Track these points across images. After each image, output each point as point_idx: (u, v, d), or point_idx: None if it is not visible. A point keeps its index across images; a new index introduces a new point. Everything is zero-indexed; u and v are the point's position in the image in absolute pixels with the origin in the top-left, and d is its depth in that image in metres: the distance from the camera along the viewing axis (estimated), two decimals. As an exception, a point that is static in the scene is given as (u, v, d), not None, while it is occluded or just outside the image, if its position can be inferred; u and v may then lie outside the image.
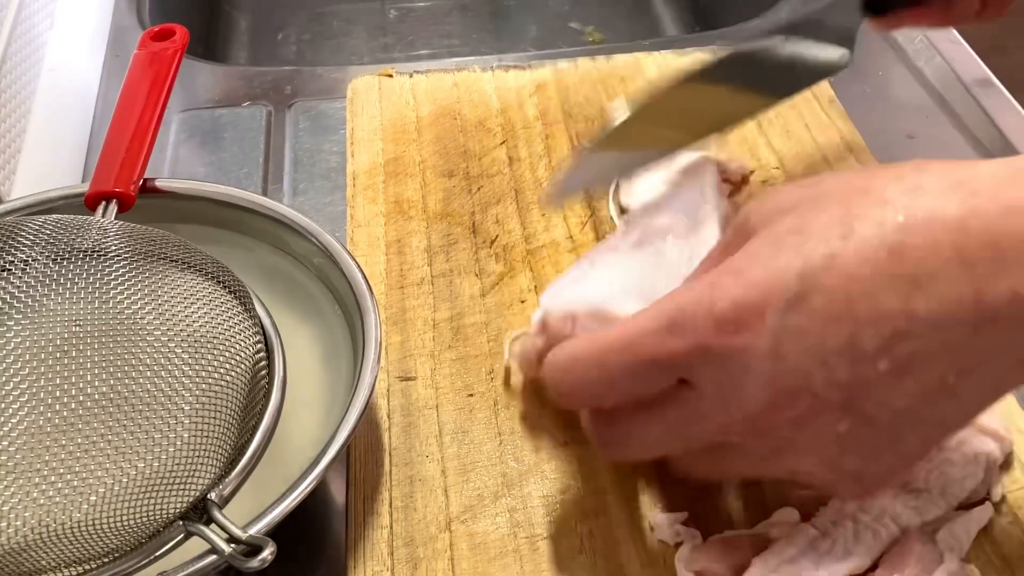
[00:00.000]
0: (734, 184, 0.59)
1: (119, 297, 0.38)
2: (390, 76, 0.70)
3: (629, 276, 0.47)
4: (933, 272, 0.33)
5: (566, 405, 0.42)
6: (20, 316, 0.37)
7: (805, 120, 0.65)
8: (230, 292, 0.43)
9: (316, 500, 0.47)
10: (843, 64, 0.52)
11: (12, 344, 0.36)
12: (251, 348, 0.41)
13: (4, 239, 0.39)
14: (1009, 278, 0.32)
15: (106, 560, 0.37)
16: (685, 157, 0.55)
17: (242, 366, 0.40)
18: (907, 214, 0.34)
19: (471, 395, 0.49)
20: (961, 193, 0.34)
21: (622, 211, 0.58)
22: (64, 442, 0.34)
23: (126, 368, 0.36)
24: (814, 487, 0.39)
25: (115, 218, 0.46)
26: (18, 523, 0.33)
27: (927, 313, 0.33)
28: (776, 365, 0.34)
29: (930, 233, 0.33)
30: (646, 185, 0.56)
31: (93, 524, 0.35)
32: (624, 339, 0.37)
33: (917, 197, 0.34)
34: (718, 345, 0.35)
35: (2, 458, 0.33)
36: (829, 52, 0.51)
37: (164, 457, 0.36)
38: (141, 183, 0.49)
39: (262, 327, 0.44)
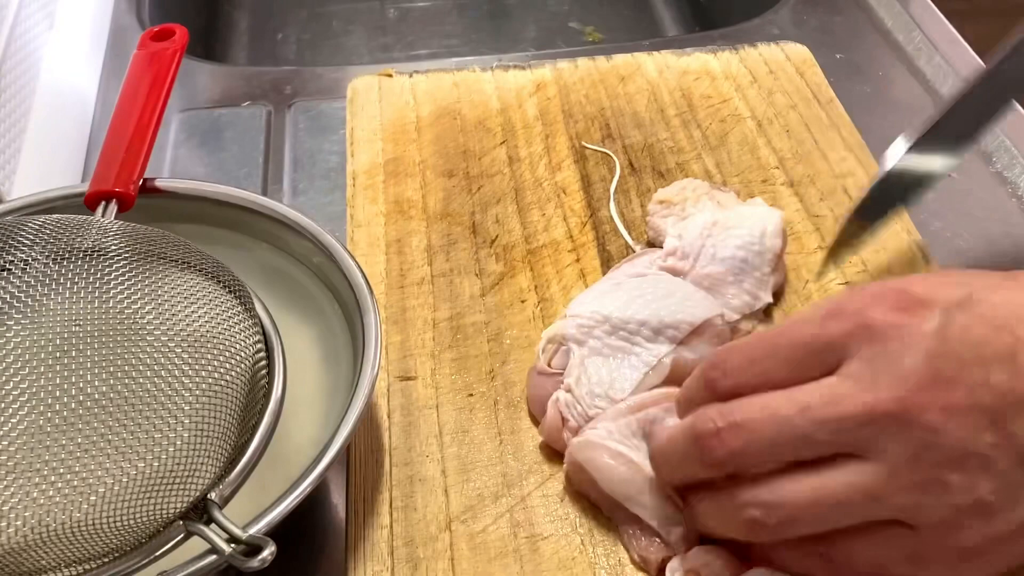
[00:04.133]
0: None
1: (119, 297, 0.38)
2: (390, 76, 0.70)
3: (656, 301, 0.48)
4: None
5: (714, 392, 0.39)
6: (20, 316, 0.37)
7: (805, 120, 0.65)
8: (230, 292, 0.43)
9: (316, 500, 0.47)
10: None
11: (12, 344, 0.36)
12: (251, 348, 0.41)
13: (4, 239, 0.39)
14: None
15: (106, 560, 0.37)
16: (760, 215, 0.54)
17: (242, 366, 0.40)
18: None
19: (471, 395, 0.49)
20: None
21: (650, 243, 0.57)
22: (64, 442, 0.34)
23: (126, 368, 0.36)
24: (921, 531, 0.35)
25: (115, 218, 0.46)
26: (18, 523, 0.33)
27: None
28: (939, 345, 0.34)
29: None
30: (696, 227, 0.53)
31: (93, 524, 0.34)
32: (782, 329, 0.37)
33: None
34: (880, 321, 0.35)
35: (2, 458, 0.33)
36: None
37: (164, 457, 0.36)
38: (141, 183, 0.49)
39: (262, 327, 0.44)
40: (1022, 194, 0.63)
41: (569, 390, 0.46)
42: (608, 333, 0.47)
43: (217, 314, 0.40)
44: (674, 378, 0.46)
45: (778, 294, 0.53)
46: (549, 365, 0.48)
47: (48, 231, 0.40)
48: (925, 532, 0.35)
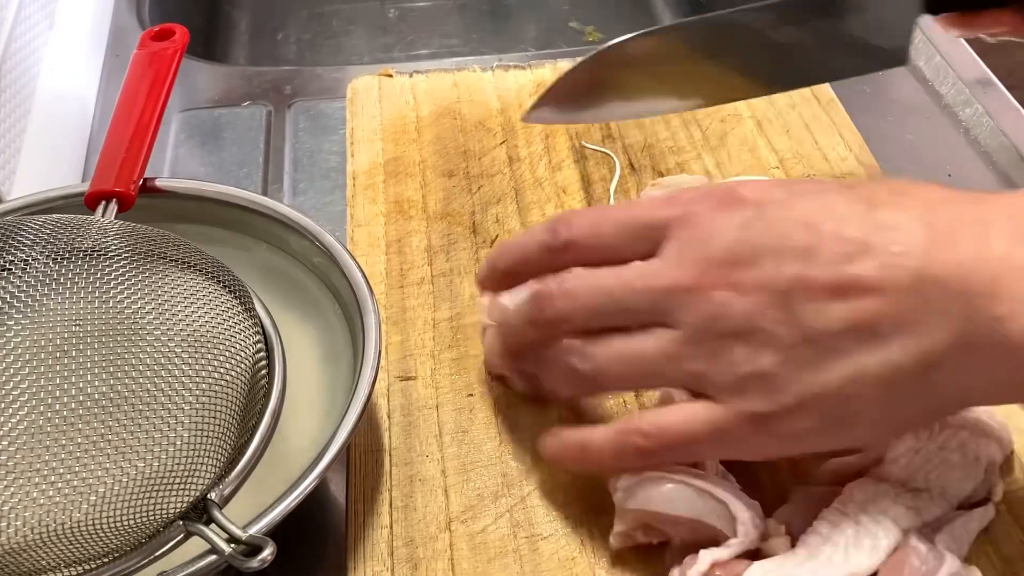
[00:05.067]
0: None
1: (119, 297, 0.38)
2: (390, 76, 0.70)
3: None
4: (896, 224, 0.36)
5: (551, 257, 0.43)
6: (20, 316, 0.36)
7: (805, 120, 0.65)
8: (230, 292, 0.43)
9: (316, 500, 0.47)
10: (900, 58, 0.52)
11: (12, 344, 0.36)
12: (251, 348, 0.41)
13: (4, 239, 0.39)
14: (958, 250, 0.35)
15: (106, 560, 0.37)
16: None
17: (242, 366, 0.40)
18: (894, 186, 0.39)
19: (471, 395, 0.49)
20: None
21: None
22: (64, 442, 0.34)
23: (126, 368, 0.36)
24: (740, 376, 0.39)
25: (115, 218, 0.46)
26: (18, 523, 0.33)
27: (883, 249, 0.36)
28: (740, 233, 0.38)
29: (900, 207, 0.37)
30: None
31: (93, 524, 0.34)
32: (625, 204, 0.44)
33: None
34: (698, 212, 0.39)
35: (2, 458, 0.33)
36: (880, 44, 0.51)
37: (164, 457, 0.36)
38: (141, 183, 0.49)
39: (262, 327, 0.44)
40: (1022, 194, 0.63)
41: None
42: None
43: (217, 314, 0.40)
44: None
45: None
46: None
47: (48, 231, 0.40)
48: (719, 400, 0.38)
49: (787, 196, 0.39)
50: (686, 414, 0.39)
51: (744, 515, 0.40)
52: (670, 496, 0.41)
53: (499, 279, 0.45)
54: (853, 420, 0.38)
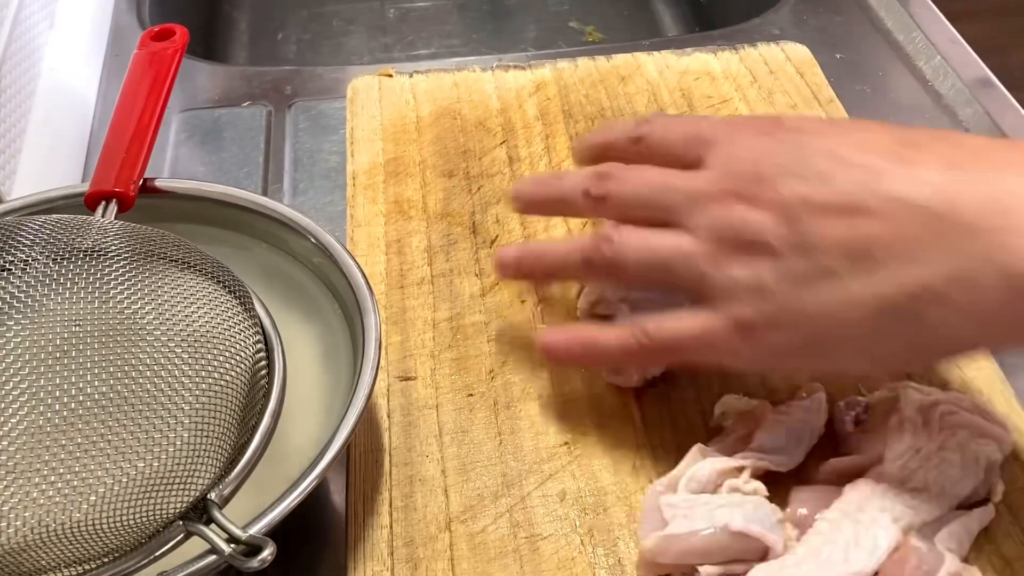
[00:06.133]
0: None
1: (119, 297, 0.38)
2: (390, 76, 0.70)
3: None
4: (917, 159, 0.38)
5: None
6: (20, 316, 0.36)
7: (805, 120, 0.65)
8: (230, 292, 0.43)
9: (316, 500, 0.47)
10: None
11: (12, 344, 0.36)
12: (251, 348, 0.41)
13: (4, 239, 0.39)
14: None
15: (106, 560, 0.37)
16: None
17: (242, 366, 0.40)
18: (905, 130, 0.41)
19: (471, 395, 0.49)
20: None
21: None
22: (64, 442, 0.34)
23: (126, 368, 0.36)
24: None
25: (115, 218, 0.46)
26: (18, 523, 0.33)
27: (895, 180, 0.38)
28: (772, 154, 0.41)
29: (931, 148, 0.39)
30: None
31: (93, 524, 0.35)
32: (697, 118, 0.50)
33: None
34: (746, 133, 0.43)
35: (2, 458, 0.33)
36: None
37: (164, 457, 0.36)
38: (141, 183, 0.49)
39: (262, 327, 0.44)
40: (1022, 194, 0.63)
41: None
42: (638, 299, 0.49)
43: (217, 314, 0.40)
44: None
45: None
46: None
47: (48, 231, 0.40)
48: (714, 307, 0.41)
49: (827, 128, 0.42)
50: (684, 319, 0.42)
51: (777, 542, 0.40)
52: (707, 547, 0.40)
53: (589, 154, 0.49)
54: (837, 344, 0.39)
